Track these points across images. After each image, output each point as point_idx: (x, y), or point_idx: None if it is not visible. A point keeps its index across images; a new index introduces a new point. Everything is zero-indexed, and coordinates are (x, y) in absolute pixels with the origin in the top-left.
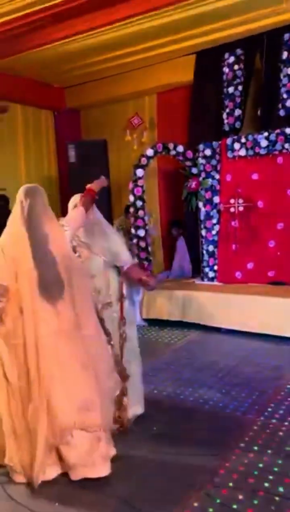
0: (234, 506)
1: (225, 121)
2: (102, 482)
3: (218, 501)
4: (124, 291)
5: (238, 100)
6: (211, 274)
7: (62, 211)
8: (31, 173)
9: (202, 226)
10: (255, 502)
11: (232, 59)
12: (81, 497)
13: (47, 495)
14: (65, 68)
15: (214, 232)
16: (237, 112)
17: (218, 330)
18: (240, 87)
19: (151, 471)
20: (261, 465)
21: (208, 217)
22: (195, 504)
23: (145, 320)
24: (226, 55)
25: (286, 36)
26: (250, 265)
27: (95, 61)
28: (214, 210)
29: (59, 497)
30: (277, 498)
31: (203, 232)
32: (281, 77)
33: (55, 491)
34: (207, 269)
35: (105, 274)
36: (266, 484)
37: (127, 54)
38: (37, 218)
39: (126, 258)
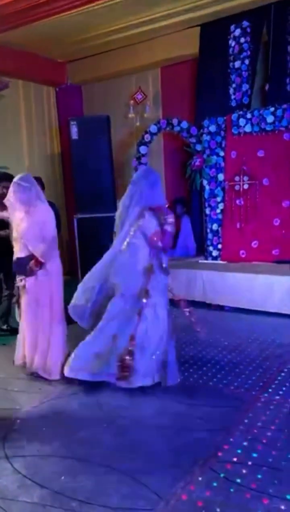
0: (238, 481)
1: (232, 96)
2: (107, 457)
3: (222, 475)
4: None
5: (245, 74)
6: (215, 253)
7: (64, 189)
8: (34, 150)
9: (206, 204)
10: (259, 476)
11: (238, 31)
12: (86, 472)
13: (53, 469)
14: (67, 42)
15: (218, 211)
16: (245, 87)
17: (222, 308)
18: (247, 61)
19: (155, 446)
20: (265, 440)
21: (213, 195)
22: (200, 479)
23: None
24: (232, 28)
25: None
26: (254, 244)
27: (97, 34)
28: (219, 188)
29: (64, 471)
30: (280, 473)
31: (207, 211)
32: (288, 50)
33: (61, 465)
34: (211, 248)
35: None
36: (270, 459)
37: (130, 27)
38: None
39: None
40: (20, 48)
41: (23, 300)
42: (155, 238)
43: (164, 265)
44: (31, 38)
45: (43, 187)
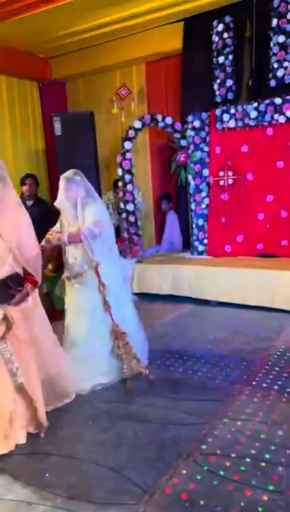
0: (221, 473)
1: (217, 92)
2: (92, 452)
3: (206, 468)
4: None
5: (229, 70)
6: (200, 248)
7: (49, 186)
8: (17, 146)
9: (191, 199)
10: (242, 468)
11: (221, 26)
12: (70, 468)
13: (38, 467)
14: (50, 37)
15: (203, 206)
16: (229, 82)
17: (208, 303)
18: (230, 57)
19: (139, 441)
20: (248, 432)
21: (197, 190)
22: (184, 472)
23: (136, 294)
24: (215, 23)
25: (276, 1)
26: (239, 238)
27: (80, 29)
28: (204, 183)
29: (49, 468)
30: (263, 464)
31: (193, 206)
32: (271, 45)
33: (46, 463)
34: (196, 243)
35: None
36: (253, 451)
37: (112, 22)
38: None
39: (84, 228)
40: (2, 43)
41: (13, 347)
42: None
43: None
44: (13, 33)
45: (37, 184)
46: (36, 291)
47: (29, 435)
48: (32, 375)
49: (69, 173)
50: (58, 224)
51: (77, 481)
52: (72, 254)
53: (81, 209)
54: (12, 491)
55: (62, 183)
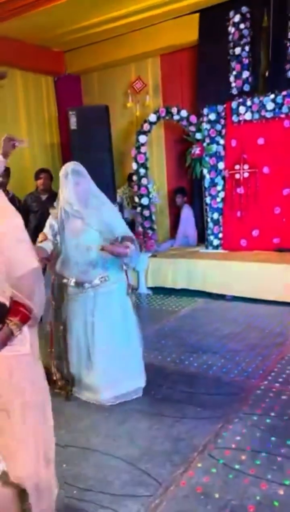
0: (237, 467)
1: (233, 84)
2: (108, 445)
3: (221, 461)
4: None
5: (245, 61)
6: (215, 242)
7: None
8: (33, 141)
9: (206, 193)
10: (258, 462)
11: (237, 17)
12: (87, 459)
13: (56, 458)
14: (65, 31)
15: (218, 199)
16: (245, 74)
17: (223, 297)
18: (247, 48)
19: (154, 434)
20: (263, 427)
21: (213, 184)
22: (199, 465)
23: (150, 288)
24: (231, 14)
25: None
26: (255, 232)
27: (95, 22)
28: (219, 177)
29: (66, 460)
30: (279, 459)
31: (208, 200)
32: (289, 35)
33: (63, 454)
34: (211, 237)
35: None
36: (269, 446)
37: (128, 14)
38: None
39: (121, 231)
40: (17, 38)
41: None
42: None
43: None
44: (27, 28)
45: (51, 178)
46: (35, 331)
47: None
48: (21, 455)
49: (73, 165)
50: (48, 229)
51: (93, 473)
52: (84, 259)
53: (95, 210)
54: None
55: (69, 177)
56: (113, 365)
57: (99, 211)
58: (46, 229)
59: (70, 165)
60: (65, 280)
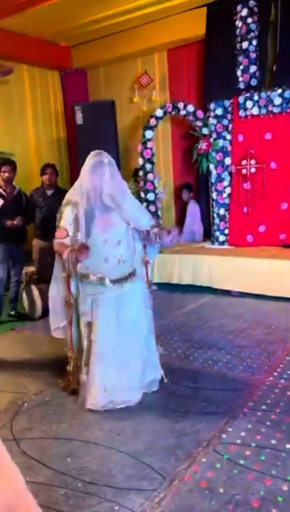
0: (241, 462)
1: (240, 78)
2: (112, 439)
3: (225, 457)
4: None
5: (253, 55)
6: (222, 238)
7: (70, 175)
8: (39, 136)
9: (213, 188)
10: (262, 458)
11: (245, 11)
12: (91, 453)
13: (59, 451)
14: (71, 26)
15: (225, 195)
16: (252, 68)
17: (228, 293)
18: (254, 42)
19: (159, 428)
20: (268, 423)
21: (219, 179)
22: (203, 460)
23: (156, 284)
24: (239, 7)
25: None
26: (261, 228)
27: (101, 17)
28: (225, 172)
29: (71, 454)
30: (283, 454)
31: (214, 195)
32: None
33: (68, 447)
34: (218, 233)
35: (130, 241)
36: (273, 441)
37: (134, 8)
38: None
39: (145, 223)
40: (24, 33)
41: None
42: None
43: None
44: (34, 22)
45: (57, 174)
46: None
47: (52, 419)
48: None
49: (106, 156)
50: (68, 225)
51: (97, 467)
52: (114, 254)
53: (126, 204)
54: (34, 474)
55: (106, 168)
56: (139, 364)
57: (125, 203)
58: (66, 225)
59: (104, 156)
60: (92, 278)
